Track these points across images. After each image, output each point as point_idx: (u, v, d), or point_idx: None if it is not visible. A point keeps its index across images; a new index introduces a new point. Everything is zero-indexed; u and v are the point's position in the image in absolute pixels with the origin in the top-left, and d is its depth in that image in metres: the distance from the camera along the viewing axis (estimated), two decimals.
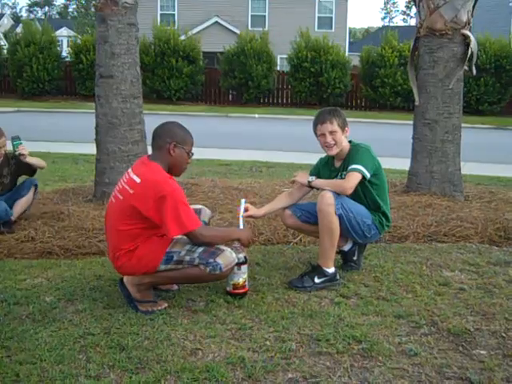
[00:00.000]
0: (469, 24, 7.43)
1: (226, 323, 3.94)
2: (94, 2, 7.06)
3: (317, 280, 4.58)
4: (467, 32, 7.36)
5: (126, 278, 4.19)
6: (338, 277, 4.68)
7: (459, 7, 7.31)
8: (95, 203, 6.71)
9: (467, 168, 8.38)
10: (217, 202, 6.72)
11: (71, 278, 4.71)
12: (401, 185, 7.88)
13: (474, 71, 7.62)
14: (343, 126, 4.71)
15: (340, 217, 4.50)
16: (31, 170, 6.19)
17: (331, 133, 4.67)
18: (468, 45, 7.35)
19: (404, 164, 8.17)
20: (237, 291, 4.34)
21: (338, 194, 4.49)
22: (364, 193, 4.73)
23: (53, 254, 5.32)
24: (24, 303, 4.20)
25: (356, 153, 4.67)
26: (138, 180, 4.00)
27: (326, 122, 4.67)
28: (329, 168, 4.90)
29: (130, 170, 4.16)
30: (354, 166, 4.55)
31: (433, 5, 7.40)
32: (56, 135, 14.83)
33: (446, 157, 7.41)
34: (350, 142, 4.82)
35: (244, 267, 4.35)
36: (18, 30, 42.04)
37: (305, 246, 5.68)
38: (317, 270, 4.62)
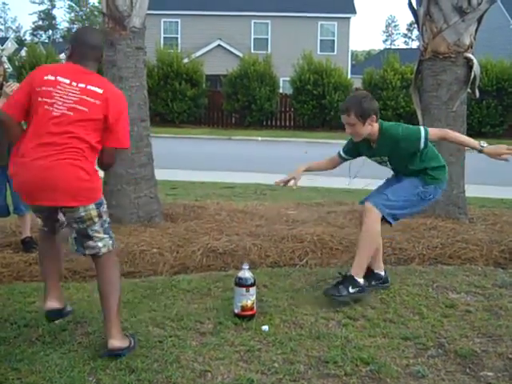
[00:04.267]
0: (471, 47, 7.50)
1: (235, 345, 3.96)
2: (102, 27, 7.16)
3: (351, 290, 4.69)
4: (470, 55, 7.44)
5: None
6: (366, 290, 4.81)
7: (462, 31, 7.39)
8: None
9: (471, 190, 8.41)
10: (223, 225, 6.76)
11: (80, 301, 4.75)
12: None
13: (477, 94, 7.69)
14: (364, 117, 4.73)
15: (393, 217, 4.79)
16: None
17: (349, 124, 4.78)
18: (471, 68, 7.43)
19: None
20: (245, 313, 4.37)
21: (378, 199, 4.81)
22: (405, 159, 4.88)
23: (61, 276, 5.35)
24: (34, 325, 4.23)
25: (401, 136, 4.75)
26: (100, 91, 3.79)
27: (344, 114, 4.81)
28: (365, 147, 5.05)
29: (74, 81, 3.77)
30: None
31: (436, 28, 7.48)
32: None
33: (450, 179, 7.42)
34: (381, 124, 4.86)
35: (252, 289, 4.39)
36: (22, 53, 42.34)
37: (311, 268, 5.71)
38: (350, 280, 4.72)
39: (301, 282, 5.25)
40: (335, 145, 22.78)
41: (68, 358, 3.72)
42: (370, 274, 5.01)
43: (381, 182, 5.36)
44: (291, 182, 5.29)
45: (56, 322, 4.28)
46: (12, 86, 5.71)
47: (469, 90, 7.56)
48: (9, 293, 4.95)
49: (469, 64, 7.45)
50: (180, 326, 4.26)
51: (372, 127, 4.79)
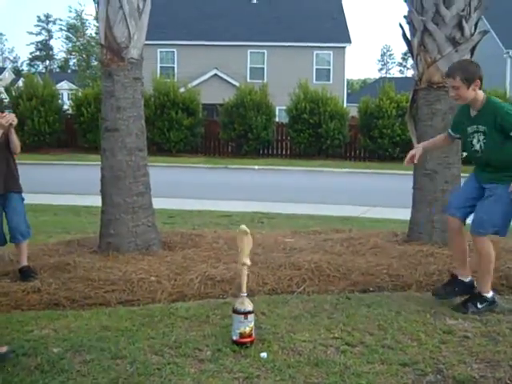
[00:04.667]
0: None
1: (234, 372, 3.97)
2: (100, 58, 7.24)
3: (479, 306, 5.15)
4: None
5: None
6: (496, 300, 5.20)
7: (455, 61, 7.48)
8: (100, 254, 6.76)
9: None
10: (221, 253, 6.78)
11: (78, 329, 4.74)
12: (402, 234, 7.93)
13: None
14: (469, 81, 4.98)
15: (500, 230, 5.19)
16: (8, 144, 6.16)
17: (453, 87, 5.05)
18: None
19: (405, 214, 8.25)
20: (243, 340, 4.38)
21: (476, 226, 5.19)
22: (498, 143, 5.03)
23: (59, 305, 5.36)
24: (32, 354, 4.22)
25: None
26: None
27: (450, 77, 5.08)
28: (466, 117, 5.25)
29: None
30: None
31: (430, 58, 7.58)
32: (57, 187, 14.93)
33: (445, 206, 7.48)
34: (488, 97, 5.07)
35: (250, 316, 4.41)
36: (20, 83, 42.53)
37: (309, 295, 5.70)
38: (478, 298, 5.16)
39: (299, 309, 5.26)
40: (332, 173, 22.94)
41: None
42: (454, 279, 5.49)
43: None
44: (416, 156, 5.61)
45: (54, 350, 4.29)
46: (7, 118, 5.78)
47: None
48: (7, 322, 4.94)
49: None
50: (178, 353, 4.27)
51: (476, 93, 5.04)
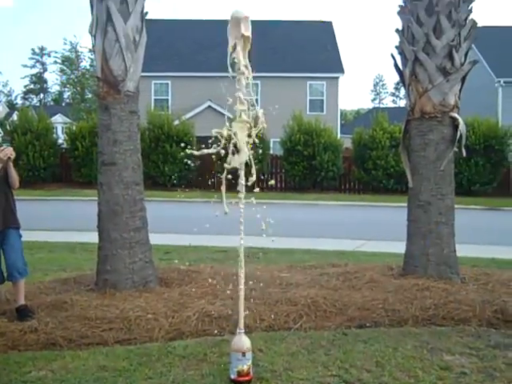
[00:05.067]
0: (457, 107, 7.70)
1: None
2: (96, 91, 7.29)
3: None
4: (455, 115, 7.63)
5: None
6: None
7: (447, 91, 7.59)
8: (97, 292, 6.74)
9: (462, 250, 8.49)
10: (218, 289, 6.77)
11: (75, 370, 4.74)
12: (397, 268, 7.95)
13: (464, 152, 7.84)
14: None
15: None
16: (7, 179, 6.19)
17: None
18: (457, 127, 7.61)
19: (400, 247, 8.26)
20: (241, 379, 4.40)
21: None
22: None
23: (56, 344, 5.34)
24: None
25: None
26: None
27: None
28: None
29: None
30: None
31: (421, 88, 7.68)
32: (52, 223, 14.88)
33: (440, 239, 7.54)
34: None
35: (248, 354, 4.42)
36: (14, 117, 42.65)
37: (306, 331, 5.70)
38: None
39: (296, 346, 5.26)
40: (327, 206, 22.95)
41: None
42: None
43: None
44: None
45: None
46: (6, 151, 5.85)
47: (456, 148, 7.72)
48: (4, 362, 4.94)
49: (454, 123, 7.63)
50: None
51: None
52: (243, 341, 4.50)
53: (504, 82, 34.89)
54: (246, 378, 4.41)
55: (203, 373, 4.63)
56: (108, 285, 6.80)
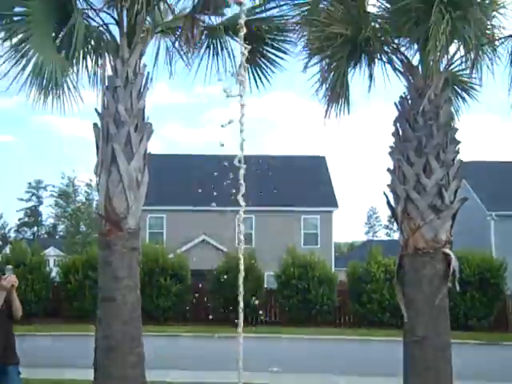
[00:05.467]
0: (449, 243, 7.83)
1: None
2: (98, 228, 7.42)
3: None
4: (447, 250, 7.81)
5: None
6: None
7: (438, 227, 7.79)
8: None
9: None
10: None
11: None
12: None
13: (458, 287, 7.89)
14: None
15: None
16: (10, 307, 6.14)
17: None
18: (449, 263, 7.67)
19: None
20: None
21: None
22: None
23: None
24: None
25: None
26: None
27: None
28: None
29: None
30: None
31: (414, 225, 7.86)
32: (41, 360, 14.57)
33: (438, 376, 7.41)
34: None
35: None
36: (7, 250, 42.79)
37: None
38: None
39: None
40: (322, 340, 22.67)
41: None
42: None
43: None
44: None
45: None
46: (10, 279, 5.88)
47: (449, 283, 7.74)
48: None
49: (447, 259, 7.72)
50: None
51: None
52: None
53: (496, 216, 35.53)
54: None
55: None
56: None
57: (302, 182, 40.57)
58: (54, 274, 31.20)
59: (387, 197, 8.44)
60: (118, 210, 7.23)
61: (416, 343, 7.58)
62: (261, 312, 26.29)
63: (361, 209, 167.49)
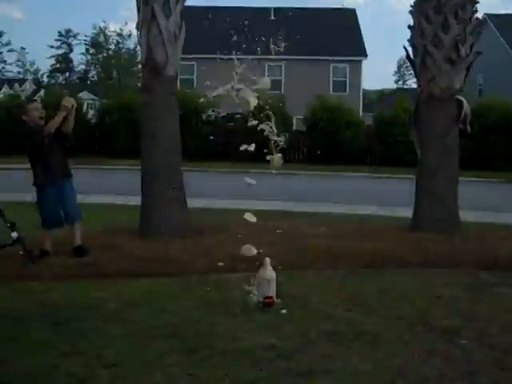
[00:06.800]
0: (462, 90, 8.62)
1: (259, 323, 4.88)
2: (141, 75, 8.31)
3: None
4: (460, 97, 8.62)
5: None
6: None
7: (453, 77, 8.52)
8: (140, 239, 7.74)
9: (476, 216, 9.22)
10: (246, 238, 7.61)
11: (128, 292, 5.71)
12: (406, 225, 8.84)
13: (469, 129, 8.71)
14: None
15: None
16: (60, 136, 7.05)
17: None
18: (461, 108, 8.49)
19: (410, 212, 9.13)
20: (267, 301, 5.27)
21: None
22: None
23: (109, 276, 6.29)
24: (94, 308, 5.18)
25: None
26: None
27: None
28: None
29: None
30: None
31: (430, 75, 8.63)
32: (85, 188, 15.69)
33: (444, 202, 8.43)
34: None
35: (273, 282, 5.31)
36: (41, 94, 43.71)
37: (321, 271, 6.64)
38: None
39: (313, 280, 6.20)
40: (349, 177, 23.66)
41: (126, 329, 4.66)
42: None
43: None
44: None
45: (112, 305, 5.23)
46: (71, 100, 6.84)
47: (461, 126, 8.61)
48: (68, 288, 5.92)
49: (460, 105, 8.52)
50: (214, 310, 5.19)
51: None
52: (269, 271, 5.38)
53: None
54: (270, 301, 5.30)
55: (235, 296, 5.54)
56: (150, 233, 7.81)
57: (331, 32, 40.20)
58: (90, 116, 32.32)
59: (407, 50, 9.13)
60: (158, 59, 8.03)
61: (427, 175, 8.56)
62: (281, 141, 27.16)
63: (392, 58, 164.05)
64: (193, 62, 39.50)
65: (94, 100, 58.69)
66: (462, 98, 8.56)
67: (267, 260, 5.44)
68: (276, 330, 4.71)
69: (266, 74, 39.43)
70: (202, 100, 29.17)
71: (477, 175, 21.58)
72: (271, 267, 5.41)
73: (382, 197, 15.34)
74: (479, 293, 5.80)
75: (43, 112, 7.03)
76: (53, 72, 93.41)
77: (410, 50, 9.11)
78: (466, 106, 8.56)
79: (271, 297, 5.32)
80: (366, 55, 39.98)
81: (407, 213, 9.26)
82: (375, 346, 4.39)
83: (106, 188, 15.00)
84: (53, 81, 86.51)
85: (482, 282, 6.22)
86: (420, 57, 8.77)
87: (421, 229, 8.40)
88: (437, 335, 4.64)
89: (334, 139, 27.36)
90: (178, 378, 3.80)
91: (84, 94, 66.45)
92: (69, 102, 6.84)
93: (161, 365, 3.99)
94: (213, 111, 27.33)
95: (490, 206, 13.51)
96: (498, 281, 6.29)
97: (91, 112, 32.81)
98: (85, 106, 45.40)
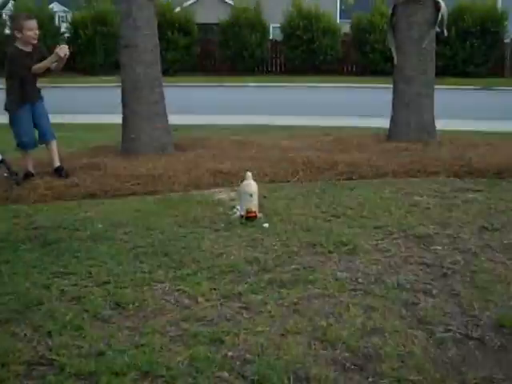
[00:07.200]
0: None
1: (243, 236, 5.07)
2: None
3: None
4: None
5: None
6: None
7: None
8: (123, 156, 7.84)
9: (450, 124, 9.42)
10: (226, 152, 7.85)
11: (115, 211, 5.85)
12: (383, 135, 9.00)
13: (446, 33, 8.73)
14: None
15: None
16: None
17: None
18: (439, 10, 8.47)
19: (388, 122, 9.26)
20: (249, 215, 5.45)
21: None
22: None
23: (95, 196, 6.44)
24: (82, 229, 5.31)
25: None
26: None
27: None
28: None
29: None
30: None
31: None
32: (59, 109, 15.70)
33: (421, 108, 8.55)
34: None
35: (255, 196, 5.48)
36: (10, 6, 42.50)
37: (301, 182, 6.83)
38: None
39: (293, 193, 6.38)
40: (325, 88, 23.73)
41: (115, 248, 4.81)
42: None
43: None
44: None
45: (99, 225, 5.39)
46: (64, 50, 6.78)
47: (438, 29, 8.60)
48: (55, 208, 6.04)
49: (437, 6, 8.48)
50: (198, 225, 5.36)
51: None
52: (251, 184, 5.54)
53: None
54: (253, 215, 5.48)
55: (218, 212, 5.72)
56: (132, 150, 7.90)
57: None
58: (62, 29, 31.60)
59: None
60: None
61: (404, 81, 8.61)
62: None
63: None
64: None
65: (65, 12, 57.34)
66: (440, 0, 8.53)
67: (249, 174, 5.58)
68: (259, 243, 4.90)
69: None
70: (177, 9, 28.78)
71: (453, 82, 21.72)
72: (253, 181, 5.56)
73: (359, 108, 15.48)
74: (452, 199, 6.03)
75: (37, 34, 6.92)
76: None
77: None
78: (444, 9, 8.53)
79: (254, 211, 5.49)
80: None
81: (385, 123, 9.39)
82: (354, 256, 4.60)
83: (83, 107, 14.94)
84: None
85: (455, 188, 6.44)
86: None
87: (398, 138, 8.56)
88: (413, 242, 4.86)
89: (311, 47, 27.19)
90: (168, 293, 4.00)
91: (54, 6, 64.73)
92: (63, 51, 6.76)
93: (150, 281, 4.18)
94: None
95: (466, 113, 13.72)
96: (471, 187, 6.52)
97: (64, 25, 32.10)
98: (56, 19, 44.37)
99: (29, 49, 6.87)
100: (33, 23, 6.90)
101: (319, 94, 21.14)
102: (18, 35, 6.84)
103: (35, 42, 6.91)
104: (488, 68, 26.52)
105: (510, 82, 24.66)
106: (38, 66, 6.81)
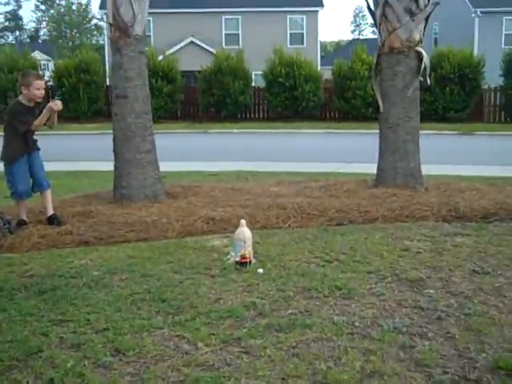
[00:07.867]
0: (421, 42, 8.82)
1: (238, 282, 5.14)
2: (109, 35, 8.32)
3: None
4: (420, 49, 8.77)
5: None
6: None
7: (412, 29, 8.69)
8: (116, 204, 7.91)
9: (433, 169, 9.59)
10: (218, 200, 7.95)
11: (110, 258, 5.90)
12: (371, 181, 9.15)
13: (428, 81, 8.98)
14: None
15: None
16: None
17: None
18: (421, 60, 8.72)
19: (374, 168, 9.40)
20: (244, 260, 5.54)
21: None
22: None
23: (89, 243, 6.49)
24: (78, 276, 5.36)
25: None
26: None
27: None
28: None
29: None
30: None
31: (391, 27, 8.77)
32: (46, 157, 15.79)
33: (407, 154, 8.73)
34: None
35: (249, 242, 5.57)
36: None
37: (293, 229, 6.94)
38: None
39: (286, 239, 6.47)
40: (309, 134, 23.99)
41: (112, 296, 4.86)
42: None
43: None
44: None
45: (95, 273, 5.44)
46: (58, 105, 6.98)
47: (421, 78, 8.84)
48: (49, 256, 6.07)
49: (419, 57, 8.74)
50: (194, 271, 5.43)
51: None
52: (244, 231, 5.63)
53: (480, 12, 35.73)
54: (248, 260, 5.57)
55: (213, 258, 5.80)
56: (124, 198, 7.98)
57: None
58: (46, 77, 31.81)
59: (367, 1, 9.31)
60: (126, 19, 8.05)
61: (389, 128, 8.80)
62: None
63: (347, 8, 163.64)
64: (149, 18, 39.05)
65: (47, 60, 57.87)
66: (422, 50, 8.78)
67: (242, 221, 5.68)
68: (255, 288, 4.98)
69: (223, 27, 39.45)
70: (160, 58, 29.12)
71: (433, 127, 22.10)
72: (247, 228, 5.66)
73: (344, 154, 15.70)
74: (442, 243, 6.15)
75: (43, 94, 7.14)
76: (2, 31, 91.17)
77: (370, 0, 9.26)
78: (426, 58, 8.78)
79: (247, 257, 5.57)
80: (322, 5, 40.08)
81: (370, 169, 9.54)
82: (349, 300, 4.69)
83: (69, 155, 15.04)
84: (2, 40, 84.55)
85: (444, 233, 6.57)
86: (380, 8, 8.92)
87: (385, 183, 8.70)
88: (406, 286, 4.96)
89: (294, 94, 27.58)
90: (167, 339, 4.05)
91: (36, 54, 65.30)
92: (57, 105, 6.97)
93: (149, 327, 4.23)
94: None
95: (449, 158, 13.99)
96: (459, 231, 6.66)
97: (47, 73, 32.29)
98: (39, 68, 44.67)
99: (31, 104, 7.03)
100: (41, 83, 7.13)
101: (302, 140, 21.40)
102: (24, 91, 7.02)
103: (40, 100, 7.09)
104: (467, 113, 26.98)
105: (489, 127, 25.13)
106: (36, 124, 7.00)
